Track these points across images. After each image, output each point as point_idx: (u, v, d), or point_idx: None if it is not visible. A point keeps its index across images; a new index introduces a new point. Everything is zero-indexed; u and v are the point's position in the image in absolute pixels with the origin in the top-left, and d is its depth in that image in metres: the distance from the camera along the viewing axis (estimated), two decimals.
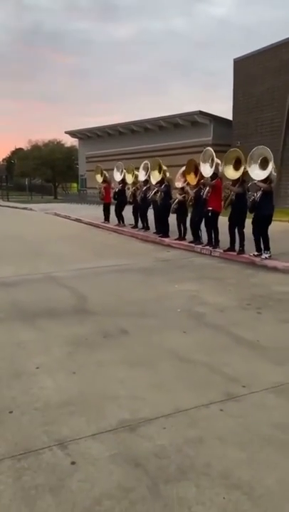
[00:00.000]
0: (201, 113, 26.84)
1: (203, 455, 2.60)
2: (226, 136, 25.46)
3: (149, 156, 25.85)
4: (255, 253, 8.67)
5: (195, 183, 10.00)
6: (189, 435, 2.81)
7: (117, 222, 14.59)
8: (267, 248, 8.49)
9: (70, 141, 47.98)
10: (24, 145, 56.71)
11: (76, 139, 42.03)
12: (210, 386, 3.48)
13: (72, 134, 39.56)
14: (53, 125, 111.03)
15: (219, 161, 9.48)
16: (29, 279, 7.53)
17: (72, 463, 2.55)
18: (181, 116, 28.18)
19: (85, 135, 37.86)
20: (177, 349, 4.26)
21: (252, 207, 8.36)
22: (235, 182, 8.96)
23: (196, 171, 10.01)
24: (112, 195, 14.84)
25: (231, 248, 9.29)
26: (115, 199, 14.47)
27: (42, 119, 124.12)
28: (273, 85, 22.18)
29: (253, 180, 8.46)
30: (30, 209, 25.66)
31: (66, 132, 40.23)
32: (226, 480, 2.38)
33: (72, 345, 4.40)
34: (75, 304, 6.00)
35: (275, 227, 13.20)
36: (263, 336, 4.62)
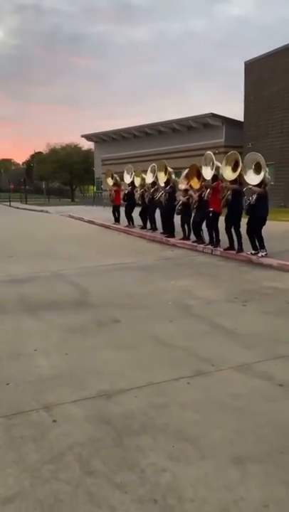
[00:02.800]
0: (213, 115, 27.22)
1: (164, 417, 3.08)
2: (238, 137, 25.79)
3: (163, 158, 26.36)
4: (253, 252, 9.07)
5: (198, 186, 10.44)
6: (156, 402, 3.29)
7: (127, 223, 15.14)
8: (262, 247, 8.89)
9: (87, 145, 48.94)
10: (43, 149, 57.89)
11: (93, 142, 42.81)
12: (183, 365, 3.95)
13: (88, 137, 40.37)
14: (72, 128, 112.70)
15: (219, 164, 9.92)
16: (39, 276, 8.10)
17: (54, 421, 3.06)
18: (193, 118, 28.61)
19: (100, 138, 38.61)
20: (161, 335, 4.74)
21: (248, 210, 8.78)
22: (232, 183, 9.40)
23: (199, 175, 10.46)
24: (121, 197, 15.41)
25: (231, 247, 9.71)
26: (125, 201, 15.01)
27: (62, 123, 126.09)
28: (284, 87, 22.43)
29: (248, 185, 8.87)
30: (47, 211, 26.43)
31: (82, 136, 41.10)
32: (178, 435, 2.85)
33: (68, 332, 4.92)
34: (77, 297, 6.54)
35: (278, 227, 13.58)
36: (242, 324, 5.07)
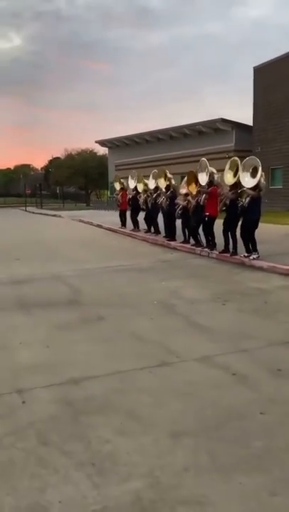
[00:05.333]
0: (223, 120, 27.51)
1: (120, 400, 3.45)
2: (248, 142, 26.02)
3: (174, 163, 26.77)
4: (246, 254, 9.37)
5: (195, 192, 10.79)
6: (117, 387, 3.66)
7: (132, 227, 15.56)
8: (254, 249, 9.17)
9: (102, 150, 49.69)
10: (61, 154, 58.91)
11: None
12: (150, 356, 4.31)
13: (102, 143, 41.07)
14: (90, 133, 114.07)
15: (214, 170, 10.27)
16: (39, 277, 8.55)
17: (23, 402, 3.46)
18: (203, 123, 28.93)
19: (113, 144, 39.24)
20: (138, 331, 5.11)
21: (240, 212, 9.09)
22: (232, 187, 9.70)
23: (197, 181, 10.81)
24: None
25: (226, 250, 10.01)
26: (130, 205, 15.45)
27: (80, 128, 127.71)
28: None
29: (243, 187, 9.18)
30: (59, 216, 27.06)
31: (96, 142, 41.83)
32: (128, 414, 3.22)
33: (54, 328, 5.33)
34: (70, 297, 6.95)
35: (280, 230, 13.80)
36: (216, 321, 5.40)
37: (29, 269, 9.33)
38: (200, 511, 2.21)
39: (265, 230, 13.15)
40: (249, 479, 2.44)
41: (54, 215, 28.18)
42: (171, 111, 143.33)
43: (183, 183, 11.84)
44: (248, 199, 9.02)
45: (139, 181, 14.65)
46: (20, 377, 3.93)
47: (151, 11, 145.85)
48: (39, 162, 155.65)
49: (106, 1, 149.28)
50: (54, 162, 68.20)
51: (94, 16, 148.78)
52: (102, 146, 42.42)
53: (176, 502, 2.28)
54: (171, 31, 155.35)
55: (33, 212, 34.81)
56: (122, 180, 16.68)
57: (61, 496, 2.35)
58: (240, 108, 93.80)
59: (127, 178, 16.64)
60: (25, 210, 38.58)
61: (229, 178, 9.66)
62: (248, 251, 9.33)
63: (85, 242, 14.15)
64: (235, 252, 9.72)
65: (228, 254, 9.82)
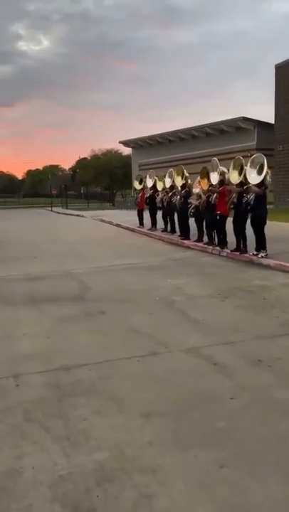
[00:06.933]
0: (244, 119, 27.44)
1: (105, 385, 3.74)
2: (270, 140, 25.87)
3: (196, 162, 26.84)
4: (255, 252, 9.50)
5: (206, 188, 10.98)
6: (104, 374, 3.95)
7: (150, 226, 15.83)
8: (263, 247, 9.30)
9: (128, 150, 50.14)
10: (88, 154, 59.78)
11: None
12: (141, 347, 4.58)
13: (126, 143, 41.50)
14: (117, 133, 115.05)
15: (225, 170, 10.43)
16: (51, 274, 8.94)
17: (17, 385, 3.79)
18: (225, 122, 28.93)
19: (137, 144, 39.60)
20: (135, 325, 5.38)
21: (246, 208, 9.24)
22: (238, 186, 9.86)
23: (208, 177, 10.99)
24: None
25: (237, 248, 10.16)
26: (147, 204, 15.73)
27: (107, 128, 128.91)
28: None
29: (249, 183, 9.33)
30: (82, 216, 27.60)
31: (120, 142, 42.33)
32: (109, 397, 3.50)
33: (57, 321, 5.66)
34: (77, 293, 7.29)
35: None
36: (211, 317, 5.62)
37: (44, 267, 9.73)
38: (153, 478, 2.47)
39: (280, 228, 13.23)
40: (204, 453, 2.68)
41: (77, 215, 28.76)
42: (199, 109, 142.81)
43: (196, 182, 12.03)
44: (252, 196, 9.15)
45: (159, 180, 14.90)
46: (18, 363, 4.27)
47: (179, 9, 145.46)
48: (67, 163, 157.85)
49: (134, 1, 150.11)
50: (81, 162, 69.19)
51: (122, 16, 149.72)
52: (125, 146, 42.89)
53: (133, 470, 2.55)
54: (199, 29, 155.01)
55: (58, 213, 35.53)
56: (143, 179, 16.94)
57: (35, 463, 2.66)
58: (269, 105, 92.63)
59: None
60: (51, 211, 39.40)
61: (235, 177, 9.82)
62: (257, 249, 9.46)
63: (102, 241, 14.52)
64: (245, 250, 9.87)
65: (239, 253, 9.98)
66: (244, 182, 9.70)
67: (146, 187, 16.07)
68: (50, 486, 2.44)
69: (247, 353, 4.32)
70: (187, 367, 4.05)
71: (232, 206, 10.05)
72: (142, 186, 16.87)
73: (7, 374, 4.02)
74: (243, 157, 10.26)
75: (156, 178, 15.39)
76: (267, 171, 9.14)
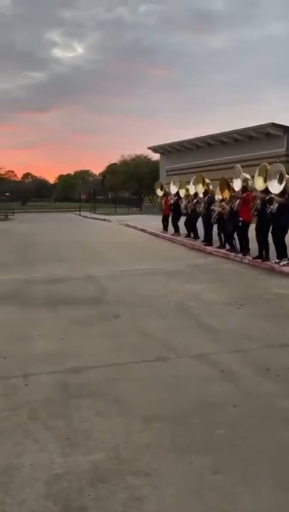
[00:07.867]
0: (273, 125, 27.11)
1: (110, 387, 3.79)
2: None
3: (224, 168, 26.70)
4: (277, 260, 9.39)
5: (228, 197, 10.96)
6: (111, 377, 4.01)
7: (174, 231, 15.87)
8: (284, 255, 9.18)
9: (157, 155, 50.24)
10: (118, 160, 60.37)
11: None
12: (150, 352, 4.61)
13: (154, 149, 41.60)
14: (148, 138, 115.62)
15: (249, 176, 10.37)
16: (73, 277, 9.08)
17: (26, 385, 3.89)
18: (254, 128, 28.66)
19: (165, 150, 39.64)
20: (148, 329, 5.43)
21: (269, 217, 9.15)
22: (263, 193, 9.79)
23: (229, 187, 10.97)
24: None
25: (259, 256, 10.06)
26: (171, 210, 15.77)
27: (138, 133, 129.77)
28: None
29: (271, 193, 9.25)
30: (109, 220, 27.86)
31: (149, 148, 42.45)
32: (113, 400, 3.55)
33: (72, 323, 5.76)
34: (95, 296, 7.38)
35: None
36: (225, 323, 5.60)
37: (66, 270, 9.89)
38: (145, 481, 2.50)
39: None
40: (199, 459, 2.70)
41: (104, 220, 29.05)
42: (229, 115, 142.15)
43: (218, 189, 12.00)
44: (276, 205, 9.07)
45: (181, 187, 14.96)
46: (30, 364, 4.38)
47: (211, 14, 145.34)
48: (98, 168, 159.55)
49: (167, 8, 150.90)
50: (110, 168, 69.84)
51: (154, 22, 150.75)
52: (154, 152, 42.98)
53: (127, 472, 2.58)
54: (232, 34, 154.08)
55: (86, 217, 35.97)
56: (164, 186, 17.06)
57: (33, 461, 2.73)
58: None
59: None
60: (79, 215, 39.92)
61: (260, 184, 9.75)
62: (279, 257, 9.35)
63: (125, 245, 14.64)
64: (267, 258, 9.76)
65: (261, 260, 9.88)
66: (268, 188, 9.64)
67: (170, 193, 16.14)
68: (45, 483, 2.51)
69: (256, 362, 4.29)
70: (194, 373, 4.05)
71: (256, 213, 9.98)
72: (162, 192, 17.00)
73: (18, 373, 4.13)
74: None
75: (179, 183, 15.44)
76: (287, 178, 9.04)
